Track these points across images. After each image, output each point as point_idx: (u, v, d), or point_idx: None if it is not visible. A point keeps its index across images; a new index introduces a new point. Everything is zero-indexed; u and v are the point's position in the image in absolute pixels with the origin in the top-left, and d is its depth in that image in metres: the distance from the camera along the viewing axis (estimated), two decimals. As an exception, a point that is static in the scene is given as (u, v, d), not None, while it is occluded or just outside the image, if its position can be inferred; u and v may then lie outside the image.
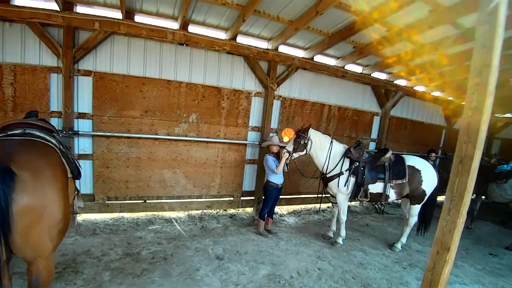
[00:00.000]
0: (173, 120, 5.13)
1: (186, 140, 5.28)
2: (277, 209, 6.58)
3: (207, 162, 5.54)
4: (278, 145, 5.02)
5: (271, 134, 5.81)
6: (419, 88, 8.16)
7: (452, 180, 2.20)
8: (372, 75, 6.88)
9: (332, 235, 5.32)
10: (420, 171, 4.84)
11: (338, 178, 4.71)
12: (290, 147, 4.66)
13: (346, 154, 4.73)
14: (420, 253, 5.21)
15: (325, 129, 6.68)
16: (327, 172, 4.79)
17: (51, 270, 2.19)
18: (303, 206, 7.03)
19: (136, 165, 5.05)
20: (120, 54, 4.67)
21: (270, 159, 4.88)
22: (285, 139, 5.29)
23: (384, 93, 7.50)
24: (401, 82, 7.67)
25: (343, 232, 5.05)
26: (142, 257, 4.01)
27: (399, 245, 5.16)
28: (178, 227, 5.13)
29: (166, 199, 5.43)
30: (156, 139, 5.08)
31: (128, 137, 4.90)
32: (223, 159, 5.67)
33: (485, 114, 2.01)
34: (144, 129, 4.98)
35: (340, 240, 5.04)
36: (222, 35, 5.15)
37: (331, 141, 4.82)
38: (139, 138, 4.97)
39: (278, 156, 4.97)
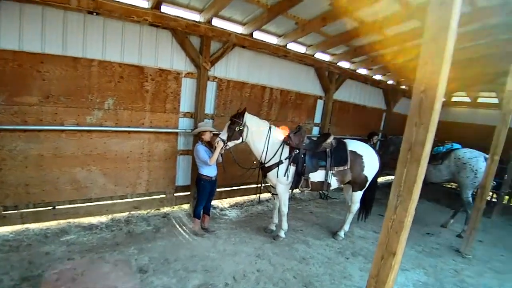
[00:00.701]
0: (84, 107, 4.27)
1: (101, 131, 4.46)
2: (218, 202, 6.17)
3: (130, 156, 4.79)
4: (211, 131, 4.53)
5: (206, 121, 5.23)
6: (361, 71, 8.20)
7: (399, 171, 1.90)
8: (315, 55, 6.61)
9: (274, 228, 5.07)
10: (362, 156, 4.75)
11: (277, 167, 4.40)
12: (224, 135, 4.22)
13: (285, 141, 4.39)
14: (362, 239, 5.24)
15: (267, 114, 6.31)
16: (266, 162, 4.44)
17: None
18: (246, 198, 6.69)
19: (38, 164, 4.12)
20: (8, 25, 3.63)
21: (201, 150, 4.33)
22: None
23: (328, 75, 7.33)
24: (344, 65, 7.58)
25: (285, 225, 4.81)
26: (44, 280, 3.25)
27: (342, 233, 5.12)
28: (98, 235, 4.38)
29: (81, 203, 4.59)
30: (62, 131, 4.18)
31: (25, 130, 3.93)
32: (151, 151, 4.97)
33: (440, 89, 1.68)
34: (45, 119, 4.04)
35: (282, 234, 4.80)
36: (143, 3, 4.36)
37: (270, 127, 4.46)
38: (40, 130, 4.03)
39: (211, 146, 4.45)
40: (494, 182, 5.27)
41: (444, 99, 11.24)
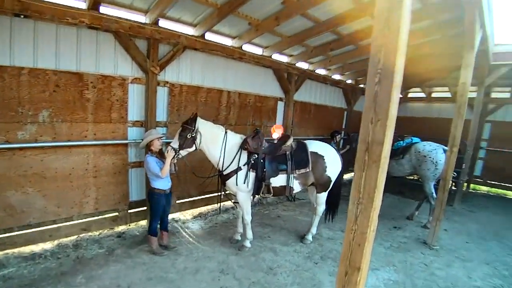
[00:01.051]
0: (14, 122, 3.77)
1: (37, 147, 3.97)
2: (180, 215, 5.86)
3: (73, 173, 4.33)
4: (159, 138, 4.17)
5: (159, 130, 4.89)
6: (320, 71, 8.24)
7: (357, 175, 1.73)
8: (273, 57, 6.50)
9: (239, 238, 4.84)
10: (323, 156, 4.65)
11: (235, 174, 4.19)
12: (175, 144, 3.95)
13: (243, 146, 4.21)
14: (331, 241, 5.16)
15: (226, 118, 6.08)
16: (224, 169, 4.22)
17: None
18: (210, 207, 6.40)
19: (-39, 189, 3.59)
20: None
21: (151, 161, 3.99)
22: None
23: (287, 77, 7.26)
24: (303, 65, 7.57)
25: (249, 234, 4.60)
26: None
27: (310, 237, 5.01)
28: (42, 264, 3.89)
29: (19, 230, 4.05)
30: (-12, 150, 3.68)
31: None
32: (97, 166, 4.54)
33: (397, 78, 1.55)
34: (-34, 137, 3.54)
35: (247, 244, 4.58)
36: (79, 3, 3.98)
37: (225, 132, 4.25)
38: (-40, 151, 3.52)
39: (163, 156, 4.13)
40: (455, 173, 5.43)
41: (401, 96, 11.76)
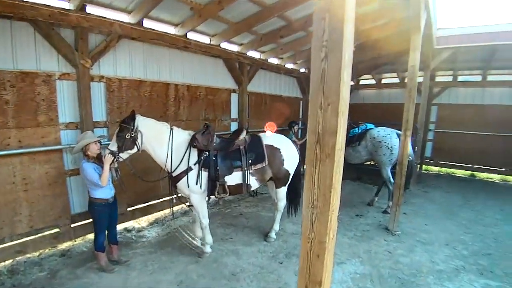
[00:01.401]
0: None
1: None
2: (134, 223, 5.41)
3: (-4, 189, 3.71)
4: (97, 142, 3.65)
5: (98, 131, 4.38)
6: (273, 61, 8.07)
7: (309, 173, 1.46)
8: (221, 46, 6.17)
9: (199, 243, 4.50)
10: (279, 149, 4.42)
11: (186, 175, 3.82)
12: (113, 146, 3.50)
13: (192, 143, 3.85)
14: (295, 236, 5.01)
15: (175, 113, 5.66)
16: (173, 170, 3.85)
17: None
18: (168, 211, 5.94)
19: None
20: None
21: (88, 168, 3.47)
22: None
23: (239, 67, 6.98)
24: (255, 54, 7.33)
25: (208, 238, 4.28)
26: None
27: (273, 234, 4.82)
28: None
29: None
30: None
31: None
32: (27, 177, 3.93)
33: (347, 51, 1.32)
34: None
35: (207, 249, 4.28)
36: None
37: (171, 129, 3.87)
38: None
39: (102, 161, 3.65)
40: (410, 157, 5.54)
41: (352, 83, 12.04)
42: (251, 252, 4.42)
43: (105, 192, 3.65)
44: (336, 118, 1.34)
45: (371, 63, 9.34)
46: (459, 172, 10.43)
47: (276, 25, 5.96)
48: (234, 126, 7.15)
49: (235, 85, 7.08)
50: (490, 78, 9.67)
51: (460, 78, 10.12)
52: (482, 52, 8.08)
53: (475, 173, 10.11)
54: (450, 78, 10.24)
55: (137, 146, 3.62)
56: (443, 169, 10.72)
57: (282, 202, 4.69)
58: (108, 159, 3.43)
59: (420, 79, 7.58)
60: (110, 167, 3.49)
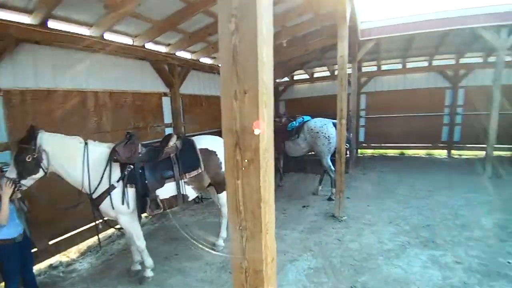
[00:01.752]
0: None
1: None
2: (62, 256, 4.63)
3: None
4: None
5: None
6: (205, 60, 7.76)
7: (231, 186, 1.16)
8: (146, 46, 5.66)
9: (139, 267, 3.99)
10: (215, 152, 4.11)
11: (109, 195, 3.31)
12: (12, 173, 2.86)
13: (112, 158, 3.35)
14: (246, 240, 4.72)
15: (98, 125, 5.01)
16: (92, 192, 3.31)
17: None
18: (101, 235, 5.21)
19: None
20: None
21: (-19, 204, 2.78)
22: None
23: (168, 69, 6.52)
24: (185, 55, 6.93)
25: (148, 262, 3.82)
26: None
27: (221, 242, 4.56)
28: None
29: None
30: None
31: None
32: None
33: (263, 19, 1.02)
34: None
35: (148, 273, 3.82)
36: None
37: (86, 143, 3.32)
38: None
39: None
40: (347, 144, 5.67)
41: (287, 79, 12.28)
42: (198, 267, 4.07)
43: (10, 230, 2.93)
44: (256, 109, 1.03)
45: (301, 59, 9.63)
46: (390, 152, 11.44)
47: (204, 22, 5.66)
48: (168, 132, 6.67)
49: (166, 88, 6.58)
50: (409, 65, 10.71)
51: (383, 67, 11.08)
52: (401, 42, 8.74)
53: (404, 151, 11.22)
54: (375, 68, 11.16)
55: (42, 169, 3.01)
56: (376, 150, 11.73)
57: (226, 208, 4.39)
58: (7, 190, 2.77)
59: (349, 71, 7.92)
60: (11, 199, 2.83)
